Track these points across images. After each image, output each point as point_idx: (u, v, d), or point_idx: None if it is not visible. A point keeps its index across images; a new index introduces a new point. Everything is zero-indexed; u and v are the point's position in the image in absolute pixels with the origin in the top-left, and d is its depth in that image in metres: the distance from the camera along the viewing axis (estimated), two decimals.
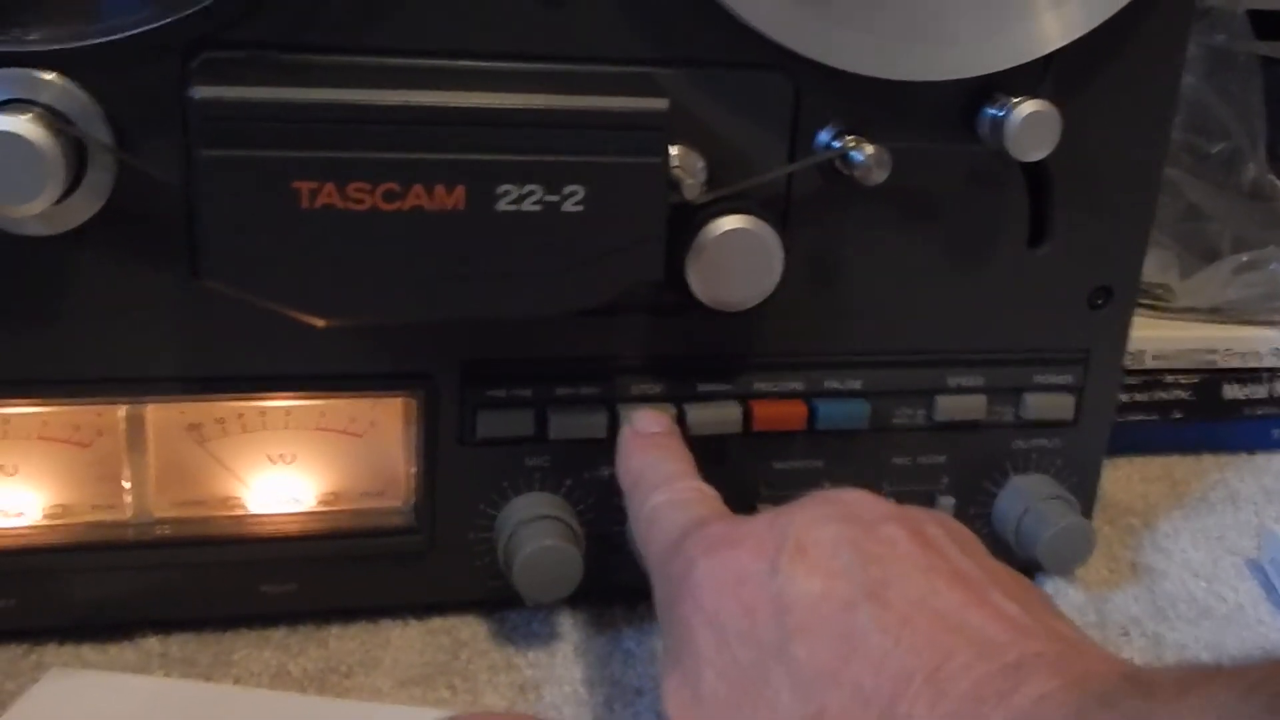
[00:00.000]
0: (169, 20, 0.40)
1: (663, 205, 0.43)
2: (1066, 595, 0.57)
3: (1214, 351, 0.73)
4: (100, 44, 0.40)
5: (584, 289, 0.44)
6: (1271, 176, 0.80)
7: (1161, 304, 0.75)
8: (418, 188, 0.41)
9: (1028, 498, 0.54)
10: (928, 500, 0.55)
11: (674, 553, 0.41)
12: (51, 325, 0.45)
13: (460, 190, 0.41)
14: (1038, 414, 0.55)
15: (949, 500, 0.55)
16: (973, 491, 0.55)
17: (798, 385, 0.52)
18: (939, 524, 0.40)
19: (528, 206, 0.42)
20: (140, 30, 0.40)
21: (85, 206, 0.43)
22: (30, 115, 0.40)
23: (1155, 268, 0.76)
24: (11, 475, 0.48)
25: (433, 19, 0.44)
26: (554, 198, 0.42)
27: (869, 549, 0.37)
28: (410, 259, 0.42)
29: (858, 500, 0.40)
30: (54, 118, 0.41)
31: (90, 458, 0.48)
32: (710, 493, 0.44)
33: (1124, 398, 0.71)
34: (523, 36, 0.45)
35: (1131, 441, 0.71)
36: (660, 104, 0.43)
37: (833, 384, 0.52)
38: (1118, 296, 0.54)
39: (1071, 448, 0.56)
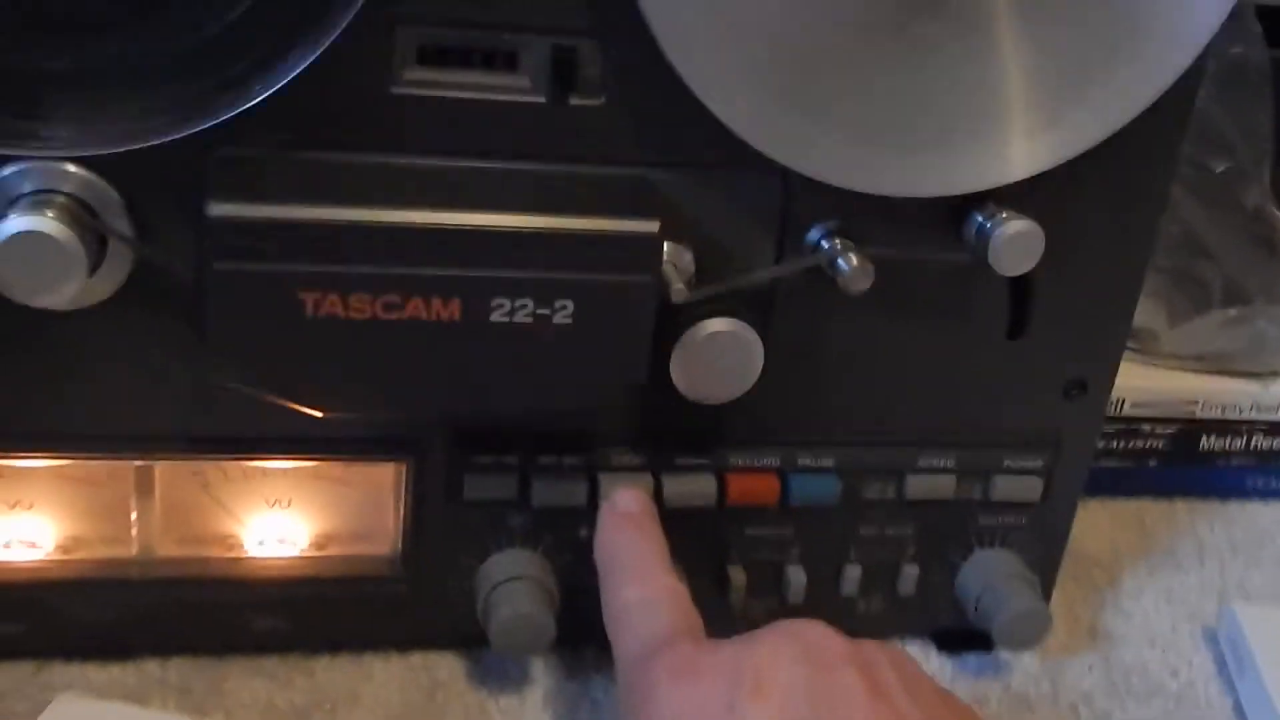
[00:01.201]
0: (191, 130, 0.42)
1: (650, 319, 0.46)
2: (1023, 663, 0.60)
3: (1194, 402, 0.74)
4: (124, 151, 0.42)
5: (571, 394, 0.46)
6: (1273, 205, 0.80)
7: (1146, 348, 0.76)
8: (416, 300, 0.44)
9: (989, 574, 0.57)
10: (893, 568, 0.58)
11: (640, 668, 0.44)
12: (67, 388, 0.48)
13: (456, 303, 0.44)
14: (1006, 495, 0.57)
15: (913, 569, 0.58)
16: (938, 562, 0.58)
17: (772, 461, 0.54)
18: (894, 667, 0.43)
19: (520, 318, 0.44)
20: (164, 140, 0.42)
21: (103, 288, 0.45)
22: (54, 211, 0.42)
23: (1143, 311, 0.76)
24: (28, 509, 0.51)
25: (441, 123, 0.45)
26: (545, 311, 0.44)
27: (825, 695, 0.40)
28: (407, 364, 0.44)
29: (819, 640, 0.43)
30: (78, 209, 0.43)
31: (102, 496, 0.51)
32: (681, 592, 0.47)
33: (1101, 443, 0.73)
34: (523, 136, 0.46)
35: (1106, 485, 0.73)
36: (650, 227, 0.45)
37: (806, 460, 0.55)
38: (1092, 389, 0.56)
39: (1037, 525, 0.58)
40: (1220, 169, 0.77)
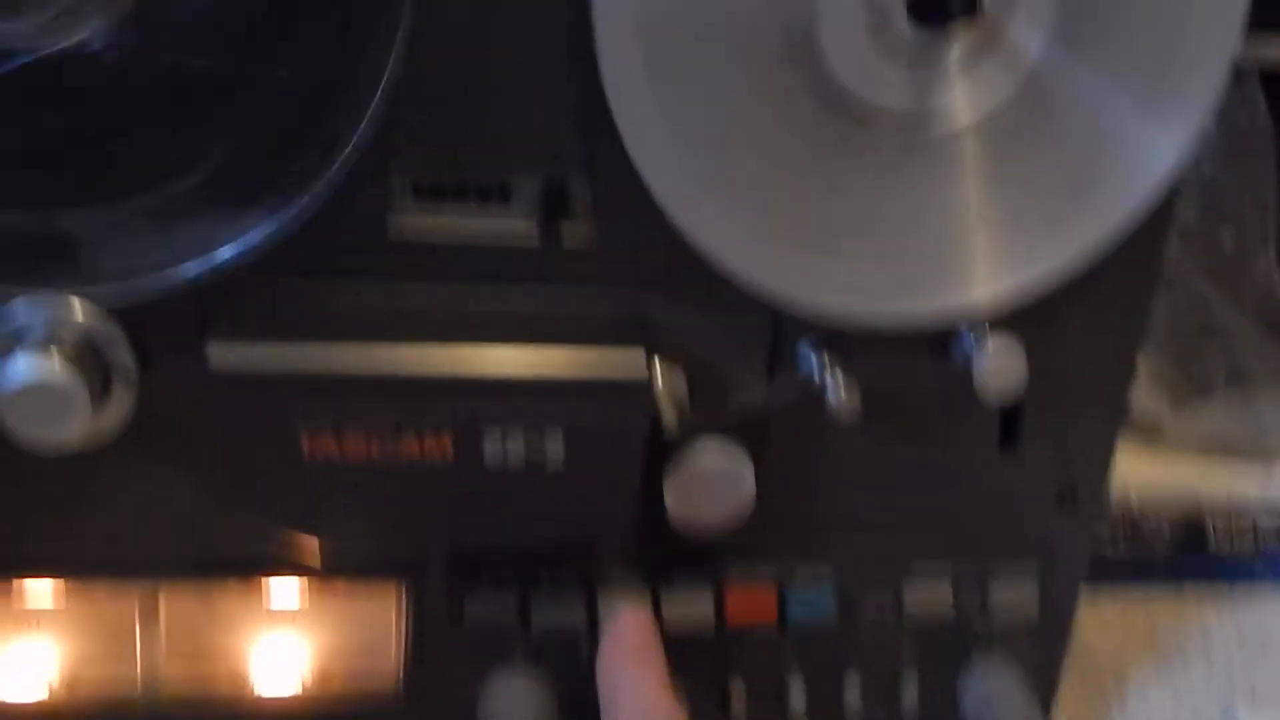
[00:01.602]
0: (194, 272, 0.43)
1: (641, 461, 0.46)
2: None
3: (1199, 489, 0.74)
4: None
5: (565, 527, 0.47)
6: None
7: (1150, 436, 0.76)
8: (410, 439, 0.44)
9: (988, 690, 0.57)
10: (894, 679, 0.58)
11: None
12: (67, 515, 0.49)
13: (448, 440, 0.45)
14: (1002, 606, 0.58)
15: (913, 679, 0.58)
16: (936, 675, 0.58)
17: (770, 574, 0.55)
18: None
19: (511, 459, 0.45)
20: (167, 279, 0.43)
21: (108, 423, 0.46)
22: (59, 349, 0.43)
23: (1147, 395, 0.77)
24: (32, 640, 0.52)
25: (435, 256, 0.47)
26: (537, 452, 0.45)
27: None
28: (401, 502, 0.45)
29: None
30: (83, 346, 0.44)
31: (106, 625, 0.52)
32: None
33: (1105, 534, 0.73)
34: (517, 266, 0.48)
35: (1111, 579, 0.73)
36: (640, 355, 0.46)
37: (804, 573, 0.55)
38: (1083, 497, 0.57)
39: (1037, 632, 0.59)
40: (1227, 238, 0.77)
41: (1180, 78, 0.47)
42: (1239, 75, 0.78)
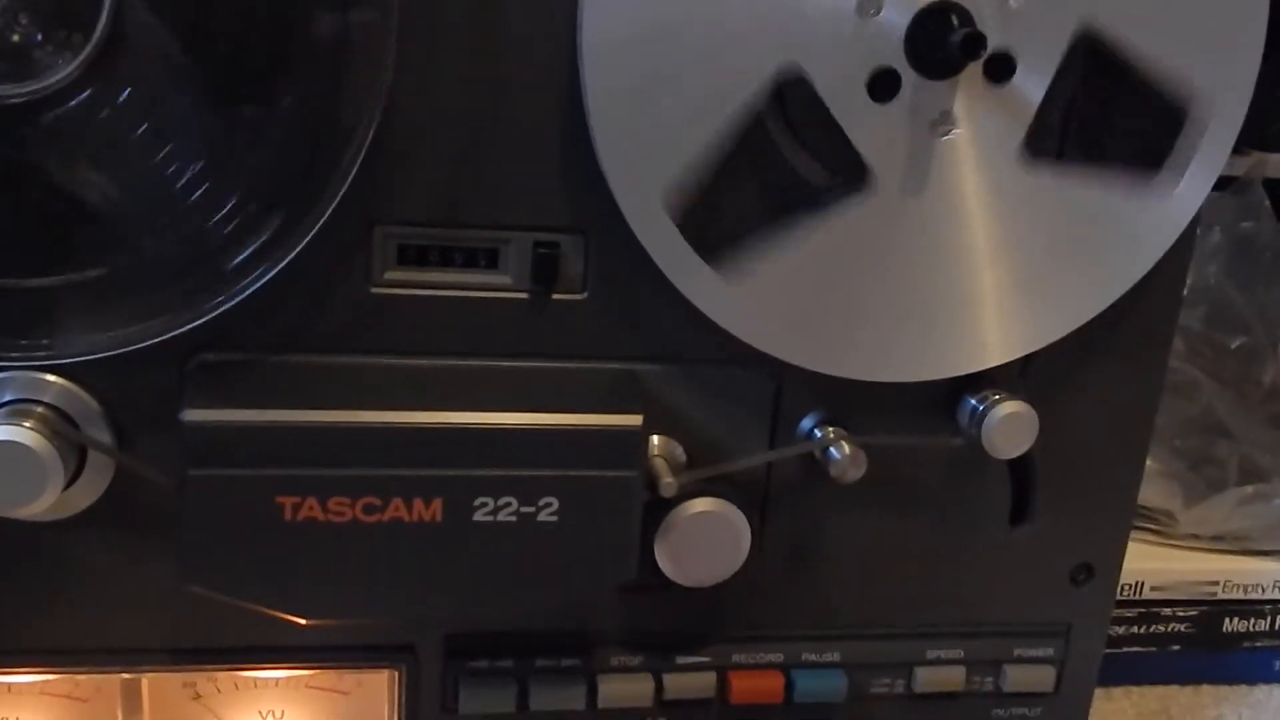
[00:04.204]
0: (169, 335, 0.42)
1: (636, 514, 0.45)
2: None
3: (1215, 584, 0.73)
4: (104, 357, 0.42)
5: (560, 592, 0.45)
6: None
7: (1164, 530, 0.75)
8: (397, 501, 0.43)
9: None
10: None
11: None
12: (48, 599, 0.47)
13: (438, 504, 0.43)
14: (1018, 686, 0.56)
15: None
16: None
17: (775, 658, 0.53)
18: None
19: (503, 517, 0.44)
20: (141, 345, 0.42)
21: (84, 497, 0.45)
22: (33, 420, 0.42)
23: (1159, 492, 0.76)
24: None
25: (423, 322, 0.45)
26: (529, 509, 0.44)
27: None
28: (389, 567, 0.43)
29: None
30: (56, 420, 0.43)
31: (89, 712, 0.50)
32: None
33: (1121, 629, 0.71)
34: (506, 333, 0.46)
35: (1128, 673, 0.71)
36: (634, 421, 0.44)
37: (810, 656, 0.53)
38: (1099, 574, 0.55)
39: (1052, 716, 0.57)
40: (1235, 345, 0.77)
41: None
42: (1243, 183, 0.79)
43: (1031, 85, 0.44)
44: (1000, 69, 0.43)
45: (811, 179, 0.46)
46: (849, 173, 0.45)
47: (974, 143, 0.45)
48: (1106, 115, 0.47)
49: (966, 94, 0.44)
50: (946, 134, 0.45)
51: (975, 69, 0.43)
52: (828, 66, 0.43)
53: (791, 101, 0.44)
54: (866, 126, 0.44)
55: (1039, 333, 0.48)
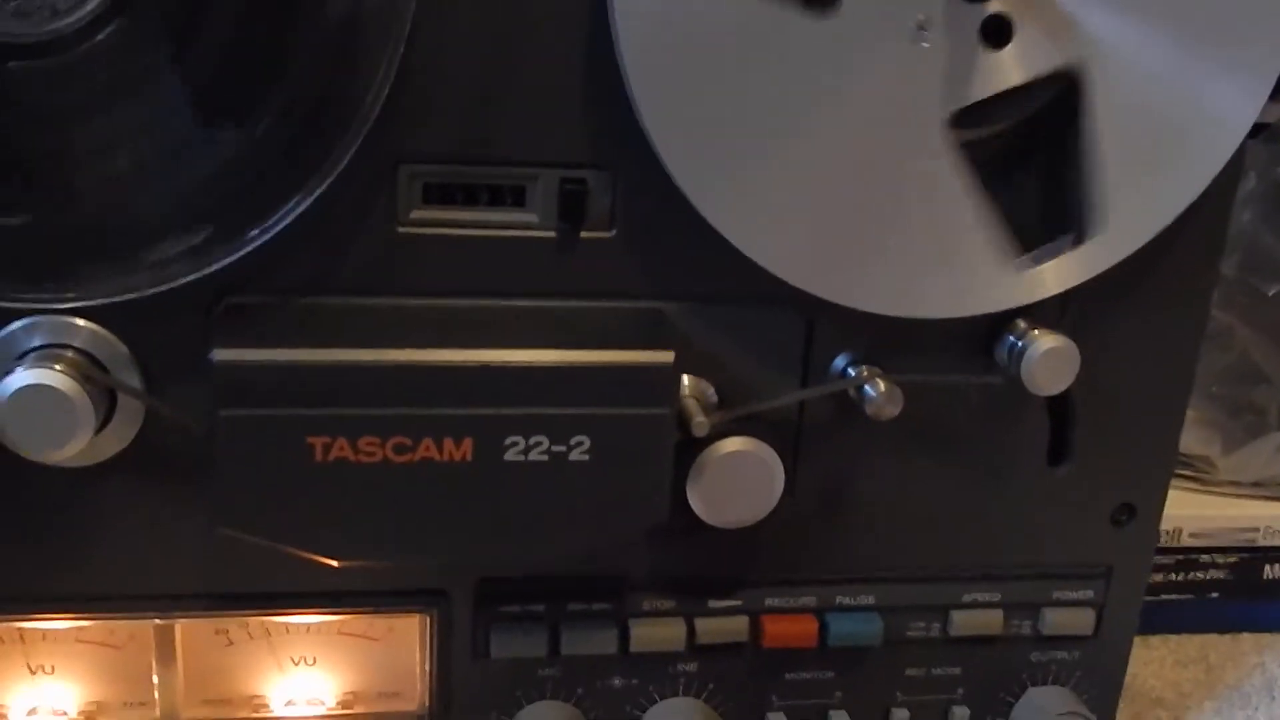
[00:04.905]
0: (195, 276, 0.42)
1: (669, 453, 0.44)
2: None
3: (1254, 530, 0.72)
4: (131, 299, 0.42)
5: (592, 533, 0.45)
6: None
7: (1202, 477, 0.74)
8: (427, 441, 0.43)
9: (1044, 714, 0.54)
10: (943, 710, 0.55)
11: None
12: (82, 547, 0.47)
13: (468, 443, 0.43)
14: (1057, 629, 0.55)
15: (964, 711, 0.55)
16: (989, 702, 0.56)
17: (809, 601, 0.53)
18: None
19: (535, 456, 0.43)
20: (168, 287, 0.41)
21: (114, 443, 0.45)
22: (62, 364, 0.42)
23: (1197, 440, 0.75)
24: (50, 675, 0.50)
25: (449, 262, 0.45)
26: (561, 448, 0.43)
27: None
28: (420, 507, 0.43)
29: None
30: (86, 364, 0.43)
31: (123, 659, 0.50)
32: None
33: (1159, 577, 0.71)
34: (533, 272, 0.46)
35: (1166, 621, 0.71)
36: (665, 357, 0.44)
37: (845, 599, 0.53)
38: (1141, 514, 0.54)
39: (1092, 661, 0.56)
40: (1272, 292, 0.76)
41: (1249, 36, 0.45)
42: (1277, 129, 0.78)
43: None
44: None
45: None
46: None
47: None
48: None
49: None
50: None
51: None
52: None
53: None
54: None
55: (1084, 264, 0.47)
